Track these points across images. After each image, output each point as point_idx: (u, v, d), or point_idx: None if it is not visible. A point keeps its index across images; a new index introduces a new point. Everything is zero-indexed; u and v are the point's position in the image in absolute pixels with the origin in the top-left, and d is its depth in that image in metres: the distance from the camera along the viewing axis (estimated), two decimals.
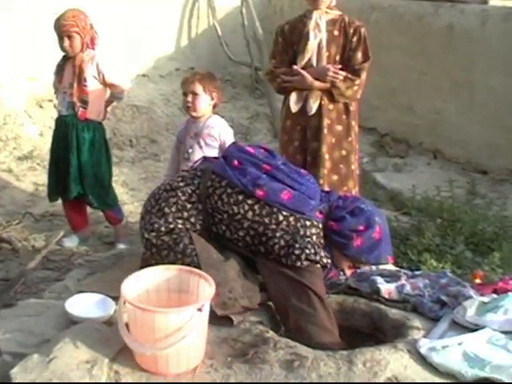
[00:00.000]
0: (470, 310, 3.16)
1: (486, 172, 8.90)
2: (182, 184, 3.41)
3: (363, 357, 2.73)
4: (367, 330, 3.40)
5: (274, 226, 3.19)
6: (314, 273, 3.16)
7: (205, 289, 2.79)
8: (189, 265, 3.09)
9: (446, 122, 9.11)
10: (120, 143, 8.69)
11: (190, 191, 3.36)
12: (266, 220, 3.21)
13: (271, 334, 2.96)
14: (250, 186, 3.25)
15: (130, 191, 7.41)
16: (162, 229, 3.30)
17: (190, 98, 4.75)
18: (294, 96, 5.01)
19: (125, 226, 6.04)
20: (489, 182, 8.73)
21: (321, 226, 3.30)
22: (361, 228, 3.26)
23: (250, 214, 3.23)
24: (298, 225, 3.20)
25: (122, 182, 7.61)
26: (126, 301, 2.64)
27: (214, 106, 4.91)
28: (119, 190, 6.89)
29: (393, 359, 2.74)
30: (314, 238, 3.22)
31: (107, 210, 5.84)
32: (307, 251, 3.11)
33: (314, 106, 4.96)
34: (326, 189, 4.09)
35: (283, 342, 2.85)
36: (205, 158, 3.71)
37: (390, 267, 3.80)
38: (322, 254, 3.18)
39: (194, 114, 4.81)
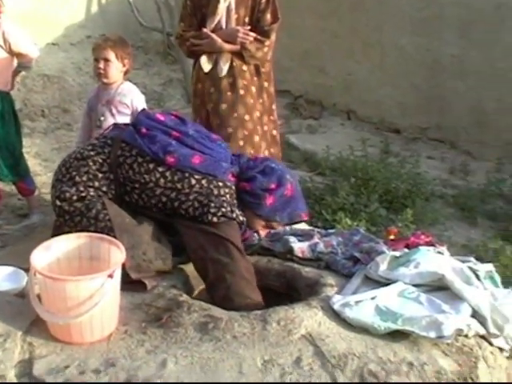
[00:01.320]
0: (383, 265, 3.21)
1: (398, 131, 9.04)
2: (92, 153, 3.36)
3: (277, 316, 2.74)
4: (282, 290, 3.41)
5: (187, 191, 3.19)
6: (232, 227, 3.18)
7: (116, 255, 2.76)
8: (102, 230, 3.07)
9: (359, 82, 9.21)
10: (31, 114, 8.50)
11: (100, 160, 3.33)
12: (179, 186, 3.20)
13: (185, 297, 2.95)
14: (161, 154, 3.23)
15: (42, 162, 7.25)
16: (74, 197, 3.26)
17: (101, 65, 4.64)
18: (204, 58, 4.96)
19: (38, 197, 5.91)
20: (402, 140, 8.88)
21: (233, 187, 3.31)
22: (272, 186, 3.30)
23: (161, 181, 3.22)
24: (211, 186, 3.21)
25: (35, 153, 7.44)
26: (36, 271, 2.60)
27: (126, 73, 4.81)
28: (32, 162, 6.74)
29: (306, 316, 2.76)
30: (228, 197, 3.24)
31: (19, 182, 5.70)
32: (223, 209, 3.14)
33: (224, 68, 4.92)
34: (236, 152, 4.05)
35: (197, 304, 2.84)
36: (115, 126, 3.65)
37: (304, 226, 3.83)
38: (238, 212, 3.22)
39: (105, 80, 4.71)
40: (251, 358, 2.50)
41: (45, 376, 2.41)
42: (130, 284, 2.97)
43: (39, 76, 8.97)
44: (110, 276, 2.59)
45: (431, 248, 3.39)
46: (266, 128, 5.12)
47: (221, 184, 3.24)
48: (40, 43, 9.02)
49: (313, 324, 2.74)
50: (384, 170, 6.99)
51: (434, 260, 3.21)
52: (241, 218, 3.23)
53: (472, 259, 3.39)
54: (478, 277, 3.17)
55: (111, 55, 4.60)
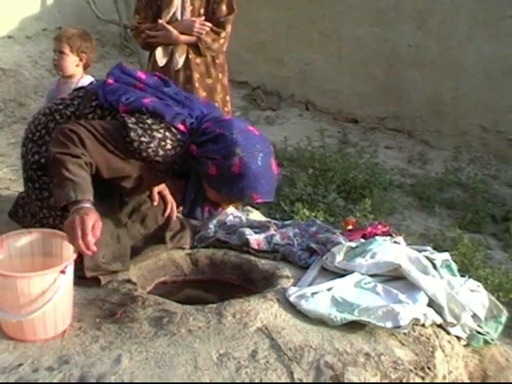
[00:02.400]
0: (339, 256, 3.20)
1: (356, 121, 9.09)
2: (60, 107, 3.21)
3: (232, 309, 2.72)
4: (238, 283, 3.37)
5: (131, 125, 2.96)
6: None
7: (68, 250, 2.72)
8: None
9: (316, 73, 9.23)
10: None
11: (68, 113, 3.17)
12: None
13: (139, 292, 2.91)
14: (115, 103, 3.04)
15: None
16: (42, 161, 3.12)
17: (56, 57, 4.60)
18: (159, 50, 4.93)
19: None
20: (360, 130, 8.93)
21: (179, 137, 3.00)
22: (217, 157, 2.92)
23: None
24: (153, 126, 2.97)
25: None
26: None
27: (86, 67, 4.76)
28: None
29: (262, 309, 2.74)
30: (169, 142, 2.99)
31: None
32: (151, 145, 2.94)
33: (180, 60, 4.90)
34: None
35: (151, 299, 2.81)
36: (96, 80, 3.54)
37: (260, 218, 3.81)
38: (161, 152, 2.97)
39: (60, 73, 4.66)
40: (206, 352, 2.48)
41: None
42: (83, 279, 2.93)
43: None
44: (63, 272, 2.54)
45: (387, 238, 3.40)
46: None
47: (162, 125, 2.98)
48: None
49: (268, 316, 2.72)
50: (342, 160, 7.03)
51: (390, 250, 3.21)
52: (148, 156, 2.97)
53: (429, 248, 3.40)
54: (434, 266, 3.18)
55: (66, 48, 4.54)
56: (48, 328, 2.59)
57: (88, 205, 2.70)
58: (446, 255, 3.32)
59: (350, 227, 3.88)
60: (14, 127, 8.17)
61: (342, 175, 6.63)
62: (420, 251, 3.30)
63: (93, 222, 2.65)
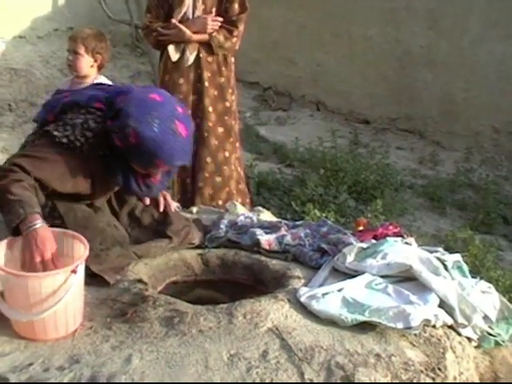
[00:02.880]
0: (350, 257, 3.19)
1: (368, 122, 9.07)
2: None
3: (243, 309, 2.72)
4: (249, 283, 3.37)
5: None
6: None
7: (79, 250, 2.73)
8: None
9: (328, 73, 9.22)
10: None
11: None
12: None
13: (150, 291, 2.92)
14: (45, 116, 3.24)
15: None
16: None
17: (71, 57, 4.60)
18: (172, 46, 4.92)
19: None
20: (371, 131, 8.91)
21: (99, 113, 3.12)
22: (116, 130, 3.00)
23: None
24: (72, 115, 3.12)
25: (2, 147, 7.38)
26: None
27: (100, 68, 4.76)
28: None
29: (273, 309, 2.74)
30: (91, 121, 3.09)
31: None
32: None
33: (191, 57, 4.89)
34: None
35: (162, 299, 2.81)
36: None
37: (271, 218, 3.81)
38: (72, 137, 3.05)
39: (74, 73, 4.66)
40: (217, 352, 2.48)
41: (8, 374, 2.36)
42: (94, 278, 2.93)
43: (6, 70, 8.89)
44: (74, 271, 2.55)
45: (399, 239, 3.39)
46: (232, 120, 5.11)
47: (81, 111, 3.11)
48: (7, 36, 8.94)
49: (279, 317, 2.72)
50: (353, 161, 7.02)
51: (401, 251, 3.20)
52: (77, 144, 3.05)
53: (440, 249, 3.39)
54: (445, 267, 3.16)
55: (81, 48, 4.55)
56: (59, 327, 2.60)
57: (37, 222, 2.73)
58: (458, 256, 3.31)
59: (360, 228, 3.87)
60: (25, 127, 8.18)
61: (353, 176, 6.62)
62: (431, 252, 3.29)
63: (44, 241, 2.70)
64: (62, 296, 2.51)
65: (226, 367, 2.41)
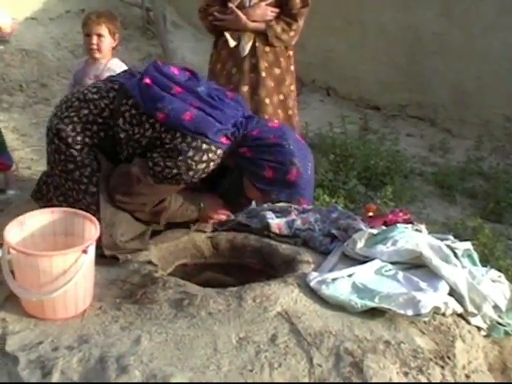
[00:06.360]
0: (360, 243, 3.19)
1: (378, 108, 9.03)
2: (96, 96, 3.23)
3: (253, 292, 2.72)
4: (259, 267, 3.38)
5: (167, 141, 3.04)
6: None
7: (90, 230, 2.73)
8: (91, 195, 3.11)
9: (338, 59, 9.18)
10: (9, 88, 8.41)
11: (103, 105, 3.20)
12: (163, 135, 3.05)
13: (160, 273, 2.93)
14: (152, 109, 3.07)
15: (20, 137, 7.18)
16: (69, 140, 3.16)
17: (94, 40, 4.59)
18: (228, 33, 4.80)
19: (15, 172, 5.86)
20: (381, 117, 8.88)
21: (220, 152, 3.06)
22: (273, 160, 3.04)
23: (149, 131, 3.08)
24: (193, 144, 3.00)
25: (13, 127, 7.37)
26: (9, 246, 2.55)
27: (114, 48, 4.77)
28: (9, 136, 6.68)
29: (283, 294, 2.75)
30: (204, 165, 3.05)
31: None
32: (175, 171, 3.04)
33: (246, 47, 4.77)
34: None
35: (172, 281, 2.82)
36: (128, 71, 3.49)
37: (282, 204, 3.80)
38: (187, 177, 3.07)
39: (98, 55, 4.66)
40: (226, 335, 2.49)
41: (18, 352, 2.38)
42: (105, 259, 2.95)
43: (17, 50, 8.90)
44: (85, 251, 2.55)
45: (409, 225, 3.38)
46: (290, 112, 5.02)
47: (204, 147, 3.01)
48: (19, 18, 8.93)
49: (289, 301, 2.73)
50: (363, 147, 7.00)
51: (411, 237, 3.19)
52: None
53: (450, 237, 3.38)
54: (456, 255, 3.16)
55: (105, 30, 4.57)
56: (68, 307, 2.61)
57: None
58: (468, 244, 3.30)
59: (370, 214, 3.87)
60: (35, 108, 8.19)
61: (362, 162, 6.60)
62: (441, 240, 3.28)
63: None
64: (72, 276, 2.52)
65: (235, 350, 2.42)
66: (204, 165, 3.03)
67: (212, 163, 3.05)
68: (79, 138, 3.16)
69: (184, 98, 3.11)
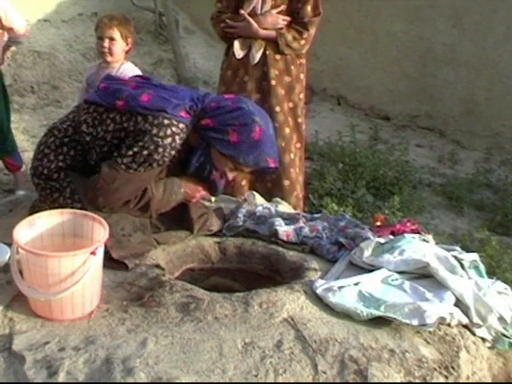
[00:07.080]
0: (367, 251, 3.19)
1: (388, 118, 9.05)
2: (57, 123, 3.41)
3: (259, 298, 2.73)
4: (265, 273, 3.39)
5: (131, 129, 3.14)
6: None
7: (99, 232, 2.74)
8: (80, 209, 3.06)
9: (350, 68, 9.20)
10: (21, 90, 8.45)
11: (65, 126, 3.34)
12: (125, 125, 3.16)
13: (167, 277, 2.94)
14: (111, 100, 3.21)
15: (30, 138, 7.22)
16: (45, 171, 3.29)
17: (106, 44, 4.59)
18: (237, 43, 4.81)
19: (24, 173, 5.88)
20: (391, 127, 8.89)
21: (182, 125, 3.16)
22: (236, 123, 3.16)
23: (111, 126, 3.19)
24: (155, 122, 3.10)
25: (23, 128, 7.42)
26: (18, 246, 2.57)
27: (127, 52, 4.78)
28: (20, 137, 6.73)
29: (289, 300, 2.75)
30: (169, 139, 3.12)
31: (6, 157, 5.68)
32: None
33: (256, 56, 4.78)
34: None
35: (179, 285, 2.82)
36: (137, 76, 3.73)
37: (289, 210, 3.81)
38: (158, 156, 3.12)
39: (109, 59, 4.66)
40: (232, 340, 2.49)
41: (24, 351, 2.39)
42: (112, 262, 2.97)
43: (30, 52, 8.92)
44: (93, 253, 2.56)
45: (416, 236, 3.38)
46: (299, 120, 5.01)
47: (166, 122, 3.11)
48: (31, 19, 8.97)
49: (295, 308, 2.73)
50: (372, 156, 7.01)
51: (418, 248, 3.20)
52: (165, 160, 3.18)
53: (457, 248, 3.38)
54: (462, 266, 3.16)
55: (117, 34, 4.57)
56: (75, 308, 2.62)
57: None
58: (475, 256, 3.30)
59: (378, 223, 3.87)
60: (46, 109, 8.24)
61: (371, 171, 6.61)
62: (448, 251, 3.28)
63: None
64: (80, 277, 2.53)
65: (240, 355, 2.42)
66: (170, 139, 3.11)
67: (177, 137, 3.14)
68: (53, 166, 3.30)
69: (139, 87, 3.30)
